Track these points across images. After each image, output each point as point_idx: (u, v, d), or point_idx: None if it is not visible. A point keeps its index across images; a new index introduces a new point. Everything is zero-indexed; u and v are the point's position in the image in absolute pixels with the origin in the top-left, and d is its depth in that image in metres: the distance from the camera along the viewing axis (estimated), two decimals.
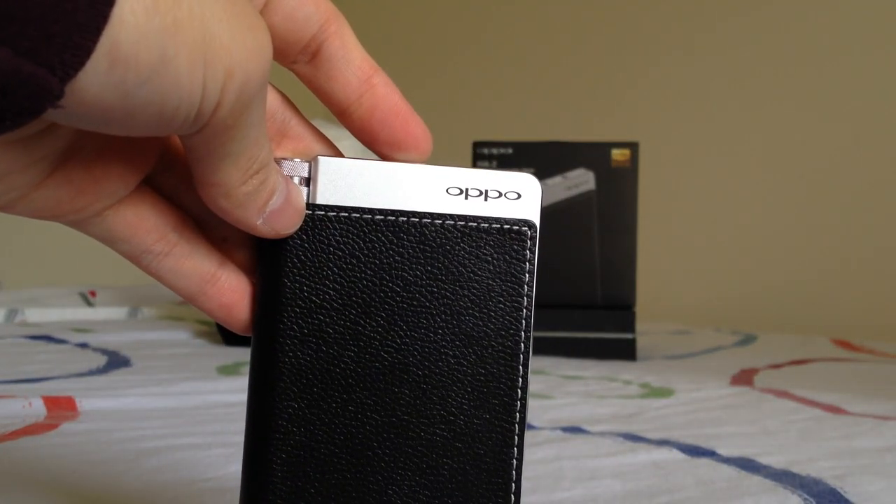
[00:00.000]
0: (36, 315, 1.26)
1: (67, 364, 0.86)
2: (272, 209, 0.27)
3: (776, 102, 1.68)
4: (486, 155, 1.12)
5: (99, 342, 1.02)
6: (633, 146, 1.11)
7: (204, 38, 0.21)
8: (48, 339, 1.04)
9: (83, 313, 1.31)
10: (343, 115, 0.29)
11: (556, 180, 1.11)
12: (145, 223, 0.28)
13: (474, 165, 1.11)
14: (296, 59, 0.28)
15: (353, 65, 0.28)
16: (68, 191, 0.26)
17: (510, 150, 1.12)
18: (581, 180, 1.11)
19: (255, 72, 0.23)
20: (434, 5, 2.23)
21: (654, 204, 1.59)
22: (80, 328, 1.14)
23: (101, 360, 0.89)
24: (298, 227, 0.28)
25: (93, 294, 1.43)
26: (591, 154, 1.11)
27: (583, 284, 1.10)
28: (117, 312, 1.34)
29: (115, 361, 0.89)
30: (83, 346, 0.99)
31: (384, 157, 0.29)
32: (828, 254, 1.61)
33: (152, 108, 0.21)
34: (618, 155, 1.11)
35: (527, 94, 2.02)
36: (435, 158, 0.30)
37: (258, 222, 0.27)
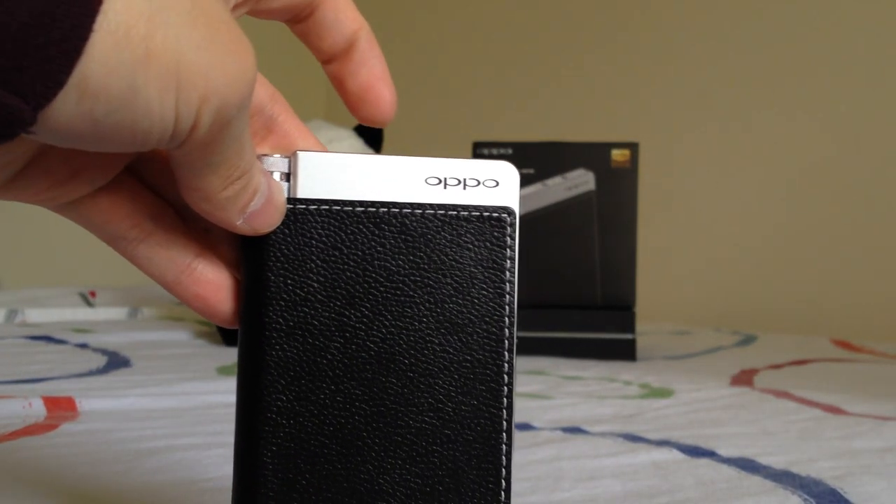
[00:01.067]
0: (36, 315, 1.26)
1: (67, 364, 0.86)
2: (253, 210, 0.27)
3: (776, 102, 1.68)
4: (485, 155, 1.12)
5: (99, 342, 1.02)
6: (633, 146, 1.11)
7: (178, 66, 0.22)
8: (48, 339, 1.04)
9: (83, 313, 1.31)
10: (326, 66, 0.30)
11: (556, 180, 1.11)
12: (121, 210, 0.28)
13: None
14: (287, 21, 0.29)
15: (343, 26, 0.29)
16: (46, 181, 0.26)
17: (510, 150, 1.12)
18: (581, 180, 1.11)
19: (232, 96, 0.23)
20: (434, 5, 2.23)
21: (654, 204, 1.59)
22: (80, 328, 1.14)
23: (101, 361, 0.89)
24: (279, 224, 0.29)
25: (93, 294, 1.43)
26: (591, 154, 1.11)
27: (583, 284, 1.10)
28: (117, 313, 1.34)
29: (115, 362, 0.89)
30: (83, 346, 0.99)
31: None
32: (828, 254, 1.61)
33: (123, 133, 0.22)
34: (618, 155, 1.11)
35: (527, 94, 2.02)
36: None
37: (238, 222, 0.27)
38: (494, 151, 1.12)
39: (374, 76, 0.30)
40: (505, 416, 0.30)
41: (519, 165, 1.11)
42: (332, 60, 0.30)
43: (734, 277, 1.71)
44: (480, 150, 1.12)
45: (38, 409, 0.62)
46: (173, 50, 0.21)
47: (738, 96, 1.72)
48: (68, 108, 0.21)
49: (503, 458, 0.30)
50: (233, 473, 0.29)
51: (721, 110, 1.74)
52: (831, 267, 1.60)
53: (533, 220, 1.11)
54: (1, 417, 0.59)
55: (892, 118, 1.55)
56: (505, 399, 0.30)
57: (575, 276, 1.10)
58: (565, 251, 1.10)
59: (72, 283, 1.56)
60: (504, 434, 0.30)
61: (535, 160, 1.11)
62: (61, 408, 0.63)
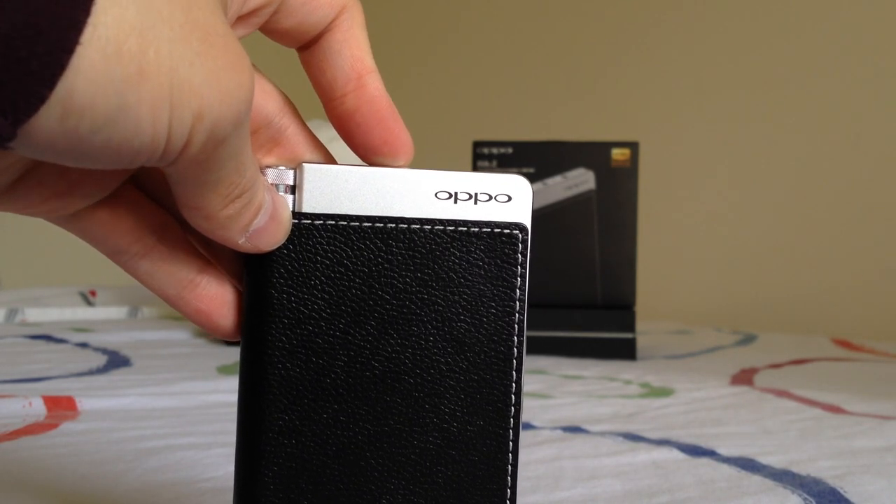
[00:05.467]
0: (36, 315, 1.26)
1: (67, 364, 0.86)
2: (256, 228, 0.26)
3: (776, 102, 1.68)
4: (486, 155, 1.12)
5: (99, 342, 1.02)
6: (633, 146, 1.11)
7: (171, 83, 0.20)
8: (48, 338, 1.04)
9: (83, 313, 1.31)
10: (326, 110, 0.29)
11: (556, 180, 1.11)
12: (122, 224, 0.27)
13: (474, 165, 1.11)
14: (300, 46, 0.28)
15: (345, 61, 0.28)
16: (41, 193, 0.25)
17: (510, 150, 1.12)
18: (581, 180, 1.11)
19: (228, 113, 0.22)
20: (434, 5, 2.23)
21: (654, 204, 1.59)
22: (80, 328, 1.14)
23: (101, 360, 0.89)
24: (284, 240, 0.28)
25: (93, 294, 1.43)
26: (591, 154, 1.11)
27: (583, 284, 1.10)
28: (117, 312, 1.34)
29: (115, 361, 0.89)
30: (83, 345, 0.99)
31: (365, 161, 0.29)
32: (827, 254, 1.61)
33: (109, 151, 0.21)
34: (618, 155, 1.11)
35: (527, 94, 2.02)
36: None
37: (241, 241, 0.26)
38: (494, 150, 1.12)
39: (390, 129, 0.28)
40: (511, 437, 0.29)
41: (519, 165, 1.11)
42: (334, 106, 0.28)
43: (734, 277, 1.71)
44: (480, 149, 1.12)
45: (38, 409, 0.62)
46: (167, 67, 0.20)
47: (737, 96, 1.72)
48: (51, 124, 0.19)
49: (508, 479, 0.29)
50: (233, 493, 0.29)
51: (721, 110, 1.74)
52: (831, 267, 1.60)
53: (533, 220, 1.10)
54: (1, 417, 0.59)
55: (892, 118, 1.55)
56: (511, 420, 0.29)
57: (575, 276, 1.10)
58: (565, 251, 1.10)
59: (72, 283, 1.56)
60: (510, 455, 0.29)
61: (535, 160, 1.11)
62: (61, 407, 0.63)
